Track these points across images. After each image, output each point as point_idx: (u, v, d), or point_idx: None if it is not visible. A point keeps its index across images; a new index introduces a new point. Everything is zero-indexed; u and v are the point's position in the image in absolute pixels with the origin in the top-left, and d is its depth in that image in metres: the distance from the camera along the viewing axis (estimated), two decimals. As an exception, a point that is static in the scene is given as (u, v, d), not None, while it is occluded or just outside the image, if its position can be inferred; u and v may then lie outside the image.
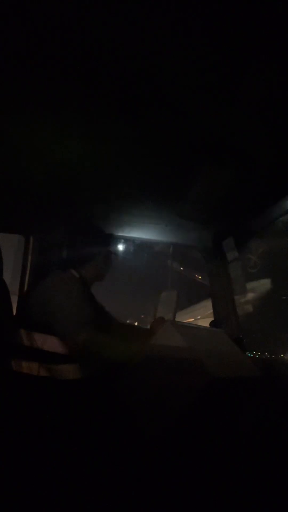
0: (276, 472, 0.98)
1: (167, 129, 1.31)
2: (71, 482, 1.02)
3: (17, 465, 1.06)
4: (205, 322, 2.58)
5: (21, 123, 1.30)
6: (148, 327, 1.94)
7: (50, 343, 1.40)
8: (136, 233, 2.37)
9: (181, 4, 0.86)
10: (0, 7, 0.87)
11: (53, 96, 1.16)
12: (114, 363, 1.36)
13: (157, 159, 1.52)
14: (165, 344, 1.27)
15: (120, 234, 2.33)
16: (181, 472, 1.01)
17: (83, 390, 1.31)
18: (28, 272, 2.19)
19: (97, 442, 1.13)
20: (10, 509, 0.94)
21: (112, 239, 1.88)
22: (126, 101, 1.17)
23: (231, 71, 1.03)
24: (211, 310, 2.41)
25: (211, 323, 2.30)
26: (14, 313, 1.69)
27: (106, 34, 0.94)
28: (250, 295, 7.79)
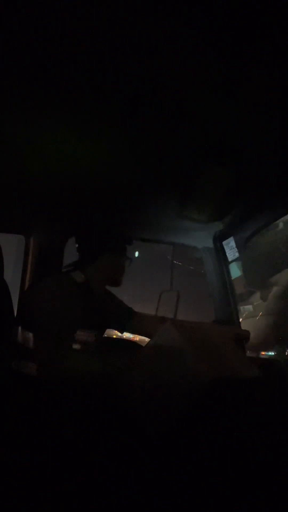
0: (276, 473, 0.98)
1: (168, 129, 1.31)
2: (71, 483, 1.03)
3: (17, 466, 1.06)
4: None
5: (22, 123, 1.30)
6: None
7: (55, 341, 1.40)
8: (137, 233, 2.37)
9: (182, 5, 0.86)
10: (1, 7, 0.87)
11: (54, 95, 1.16)
12: (115, 362, 1.36)
13: (158, 159, 1.52)
14: (165, 344, 1.27)
15: (121, 234, 2.33)
16: (181, 473, 1.01)
17: (82, 390, 1.31)
18: (28, 272, 2.19)
19: (98, 442, 1.13)
20: (10, 509, 0.94)
21: (115, 241, 1.83)
22: (127, 101, 1.17)
23: (233, 72, 1.03)
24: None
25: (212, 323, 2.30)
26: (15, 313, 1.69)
27: (107, 35, 0.94)
28: (275, 289, 7.02)
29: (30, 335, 1.44)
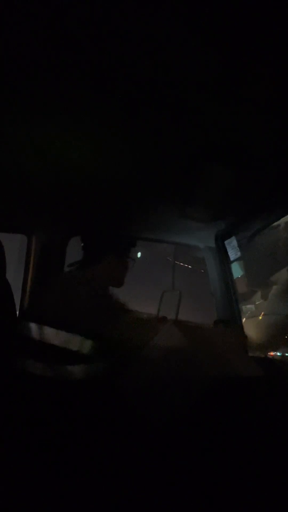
0: (276, 472, 0.98)
1: (168, 129, 1.31)
2: (74, 481, 1.03)
3: (20, 463, 1.06)
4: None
5: (23, 123, 1.30)
6: None
7: (60, 338, 1.41)
8: (139, 233, 2.37)
9: (182, 5, 0.86)
10: (1, 7, 0.87)
11: (54, 96, 1.16)
12: (117, 362, 1.37)
13: (159, 159, 1.52)
14: (167, 344, 1.28)
15: (123, 233, 2.34)
16: (182, 471, 1.02)
17: (85, 389, 1.31)
18: (30, 271, 2.20)
19: (99, 440, 1.14)
20: (10, 509, 0.94)
21: (119, 242, 1.82)
22: (129, 101, 1.18)
23: (233, 72, 1.03)
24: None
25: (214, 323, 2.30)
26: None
27: (108, 35, 0.94)
28: (275, 288, 6.95)
29: (33, 334, 1.44)
